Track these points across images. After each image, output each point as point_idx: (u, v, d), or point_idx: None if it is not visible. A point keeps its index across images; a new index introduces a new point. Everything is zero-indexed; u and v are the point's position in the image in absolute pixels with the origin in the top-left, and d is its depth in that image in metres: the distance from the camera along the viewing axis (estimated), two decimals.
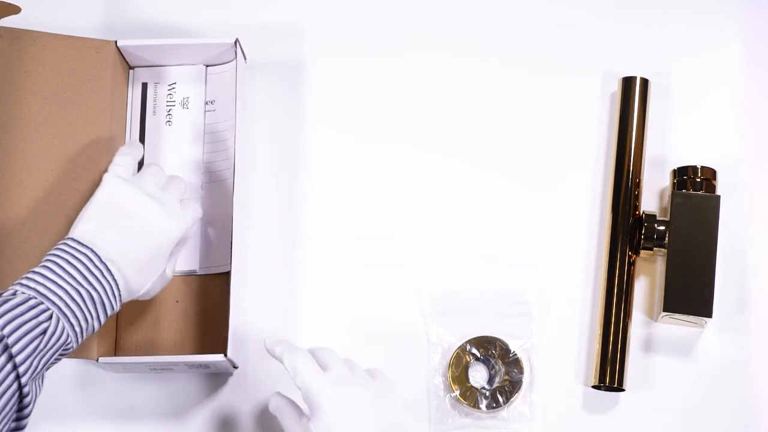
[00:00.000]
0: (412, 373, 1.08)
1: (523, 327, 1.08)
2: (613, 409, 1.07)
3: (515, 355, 1.07)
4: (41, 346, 0.82)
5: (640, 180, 1.11)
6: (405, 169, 1.14)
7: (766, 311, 1.09)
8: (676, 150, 1.14)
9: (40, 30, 1.08)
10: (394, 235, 1.12)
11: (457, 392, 1.06)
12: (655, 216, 1.08)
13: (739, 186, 1.12)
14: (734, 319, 1.08)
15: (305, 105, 1.16)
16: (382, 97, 1.16)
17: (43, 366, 0.83)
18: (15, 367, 0.79)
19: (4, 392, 0.78)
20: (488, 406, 1.06)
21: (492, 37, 1.18)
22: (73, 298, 0.87)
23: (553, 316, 1.09)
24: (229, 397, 1.08)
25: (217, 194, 1.10)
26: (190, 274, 1.09)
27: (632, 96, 1.13)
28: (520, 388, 1.06)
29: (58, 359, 0.87)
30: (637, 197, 1.10)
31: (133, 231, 0.92)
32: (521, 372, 1.06)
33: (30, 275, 0.87)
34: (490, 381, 1.08)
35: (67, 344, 0.86)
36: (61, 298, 0.86)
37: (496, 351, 1.07)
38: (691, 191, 1.08)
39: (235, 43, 1.10)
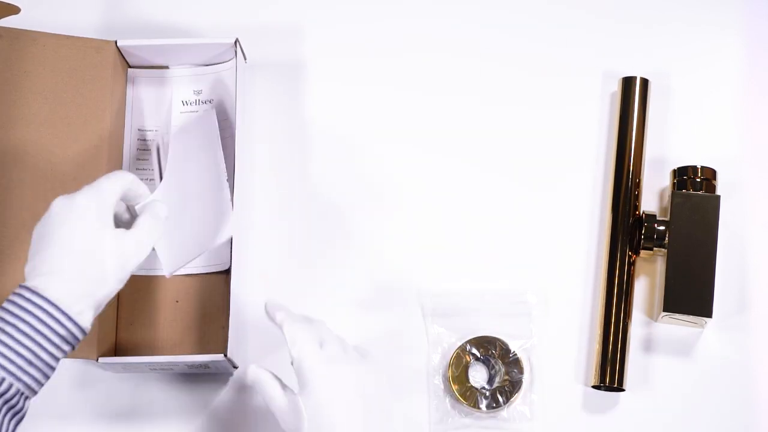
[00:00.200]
0: (412, 373, 1.08)
1: (523, 327, 1.08)
2: (613, 409, 1.07)
3: (515, 355, 1.07)
4: None
5: (640, 180, 1.11)
6: (405, 169, 1.14)
7: (766, 311, 1.09)
8: (676, 150, 1.14)
9: (40, 30, 1.08)
10: (394, 235, 1.12)
11: (457, 392, 1.06)
12: (655, 216, 1.08)
13: (739, 186, 1.12)
14: (734, 319, 1.08)
15: (305, 105, 1.16)
16: (382, 97, 1.16)
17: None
18: None
19: None
20: (488, 406, 1.06)
21: (492, 37, 1.18)
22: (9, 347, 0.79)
23: (553, 316, 1.09)
24: (229, 397, 1.08)
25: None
26: (190, 274, 1.09)
27: (632, 96, 1.13)
28: (520, 388, 1.06)
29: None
30: (637, 197, 1.10)
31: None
32: (521, 372, 1.06)
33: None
34: (490, 381, 1.08)
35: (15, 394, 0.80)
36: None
37: (496, 351, 1.07)
38: (691, 191, 1.08)
39: (235, 43, 1.10)
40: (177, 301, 1.08)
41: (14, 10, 1.06)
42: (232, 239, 1.04)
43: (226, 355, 1.01)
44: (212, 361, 1.02)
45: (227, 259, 1.06)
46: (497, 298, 1.09)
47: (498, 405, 1.05)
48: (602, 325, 1.07)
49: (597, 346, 1.06)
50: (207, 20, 1.19)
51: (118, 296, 1.08)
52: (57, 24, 1.11)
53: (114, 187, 0.85)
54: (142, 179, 1.10)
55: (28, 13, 1.07)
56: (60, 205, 0.84)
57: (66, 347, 0.82)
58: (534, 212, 1.12)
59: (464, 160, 1.14)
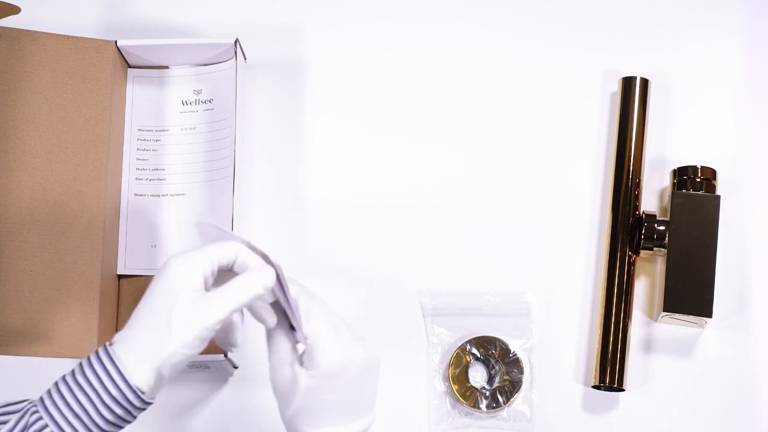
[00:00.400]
0: (412, 373, 1.08)
1: (523, 327, 1.08)
2: (613, 409, 1.07)
3: (515, 355, 1.07)
4: None
5: (640, 180, 1.11)
6: (405, 169, 1.14)
7: (766, 311, 1.09)
8: (676, 150, 1.14)
9: (40, 30, 1.08)
10: (394, 235, 1.12)
11: (457, 392, 1.06)
12: (655, 216, 1.08)
13: (739, 186, 1.12)
14: (734, 319, 1.08)
15: (305, 105, 1.16)
16: (381, 96, 1.16)
17: None
18: None
19: None
20: (488, 406, 1.06)
21: (492, 37, 1.18)
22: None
23: (553, 316, 1.09)
24: (229, 397, 1.08)
25: (216, 193, 1.10)
26: None
27: (632, 96, 1.13)
28: (520, 388, 1.06)
29: None
30: (637, 197, 1.10)
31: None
32: (521, 372, 1.06)
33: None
34: (490, 381, 1.08)
35: None
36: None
37: (496, 351, 1.07)
38: (691, 191, 1.08)
39: (235, 43, 1.10)
40: None
41: (14, 10, 1.06)
42: None
43: (226, 355, 1.01)
44: (212, 361, 1.02)
45: None
46: (497, 298, 1.09)
47: (498, 405, 1.05)
48: (602, 325, 1.07)
49: (597, 346, 1.06)
50: (207, 20, 1.19)
51: (119, 296, 1.08)
52: (57, 24, 1.11)
53: (211, 253, 0.80)
54: (141, 179, 1.11)
55: (28, 13, 1.07)
56: (162, 265, 0.81)
57: (118, 409, 0.77)
58: (534, 212, 1.12)
59: (464, 160, 1.14)
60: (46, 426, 0.76)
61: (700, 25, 1.18)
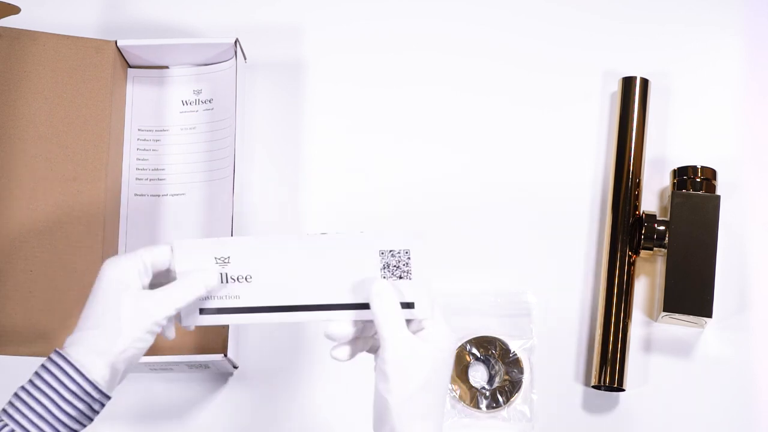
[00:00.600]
0: None
1: (523, 327, 1.08)
2: (613, 409, 1.07)
3: (515, 355, 1.07)
4: None
5: (640, 180, 1.11)
6: (405, 168, 1.14)
7: (766, 311, 1.09)
8: (676, 150, 1.14)
9: (40, 30, 1.08)
10: None
11: (457, 392, 1.06)
12: (655, 216, 1.08)
13: (739, 186, 1.12)
14: (734, 319, 1.08)
15: (305, 105, 1.16)
16: (382, 96, 1.16)
17: None
18: None
19: None
20: (488, 406, 1.06)
21: (492, 37, 1.18)
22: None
23: (553, 316, 1.09)
24: (229, 397, 1.08)
25: (216, 193, 1.10)
26: None
27: (632, 96, 1.13)
28: (520, 388, 1.06)
29: None
30: (637, 197, 1.10)
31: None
32: (521, 372, 1.06)
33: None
34: (490, 381, 1.08)
35: None
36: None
37: (496, 351, 1.07)
38: (691, 191, 1.08)
39: (235, 42, 1.10)
40: None
41: (14, 10, 1.06)
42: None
43: (226, 355, 1.01)
44: (212, 361, 1.02)
45: None
46: (497, 298, 1.09)
47: (498, 405, 1.05)
48: (602, 325, 1.07)
49: (597, 346, 1.06)
50: (207, 20, 1.19)
51: None
52: (57, 24, 1.11)
53: (144, 254, 0.84)
54: (141, 179, 1.11)
55: (28, 13, 1.07)
56: (99, 270, 0.85)
57: (80, 404, 0.80)
58: (534, 212, 1.12)
59: (464, 159, 1.14)
60: (12, 431, 0.79)
61: (700, 25, 1.18)
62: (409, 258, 0.81)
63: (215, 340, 1.06)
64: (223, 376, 1.08)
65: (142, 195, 1.11)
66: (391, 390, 0.79)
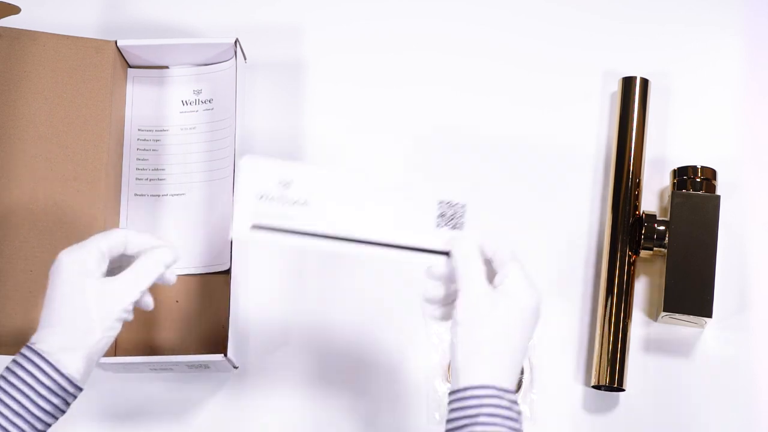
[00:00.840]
0: (413, 373, 1.08)
1: None
2: (613, 409, 1.07)
3: None
4: None
5: (640, 180, 1.11)
6: (405, 169, 1.14)
7: (766, 311, 1.09)
8: (676, 150, 1.14)
9: (40, 30, 1.08)
10: None
11: None
12: (655, 216, 1.08)
13: (739, 186, 1.12)
14: (734, 319, 1.08)
15: (305, 105, 1.16)
16: (382, 96, 1.16)
17: None
18: None
19: None
20: None
21: (492, 37, 1.18)
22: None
23: (554, 317, 1.09)
24: (229, 397, 1.08)
25: (216, 193, 1.10)
26: (190, 274, 1.09)
27: (632, 96, 1.13)
28: (520, 388, 1.06)
29: None
30: (637, 197, 1.10)
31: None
32: (521, 372, 1.06)
33: None
34: None
35: None
36: None
37: None
38: (691, 191, 1.08)
39: (235, 42, 1.10)
40: (177, 301, 1.08)
41: (14, 10, 1.06)
42: (232, 240, 1.04)
43: (226, 355, 1.01)
44: (212, 361, 1.02)
45: (227, 259, 1.06)
46: None
47: None
48: (602, 325, 1.07)
49: (597, 346, 1.06)
50: (207, 20, 1.19)
51: None
52: (57, 24, 1.11)
53: (99, 241, 0.85)
54: (141, 179, 1.11)
55: (28, 13, 1.07)
56: (53, 264, 0.84)
57: (55, 399, 0.81)
58: (534, 212, 1.12)
59: (464, 159, 1.14)
60: None
61: (700, 25, 1.18)
62: (464, 211, 0.86)
63: (215, 340, 1.06)
64: (223, 376, 1.08)
65: (142, 195, 1.11)
66: (460, 338, 0.81)
